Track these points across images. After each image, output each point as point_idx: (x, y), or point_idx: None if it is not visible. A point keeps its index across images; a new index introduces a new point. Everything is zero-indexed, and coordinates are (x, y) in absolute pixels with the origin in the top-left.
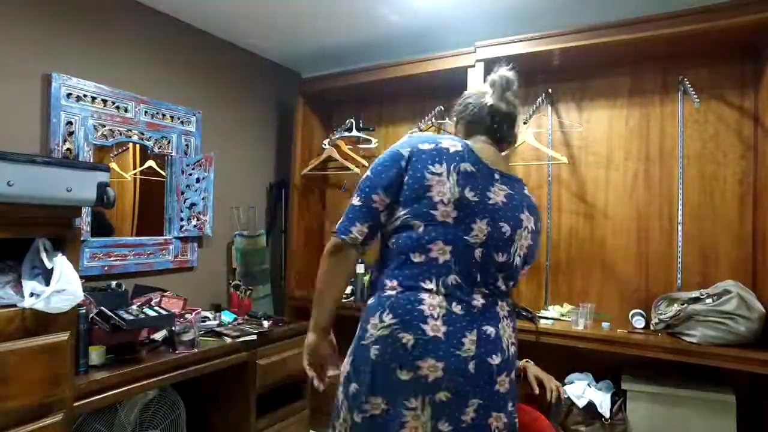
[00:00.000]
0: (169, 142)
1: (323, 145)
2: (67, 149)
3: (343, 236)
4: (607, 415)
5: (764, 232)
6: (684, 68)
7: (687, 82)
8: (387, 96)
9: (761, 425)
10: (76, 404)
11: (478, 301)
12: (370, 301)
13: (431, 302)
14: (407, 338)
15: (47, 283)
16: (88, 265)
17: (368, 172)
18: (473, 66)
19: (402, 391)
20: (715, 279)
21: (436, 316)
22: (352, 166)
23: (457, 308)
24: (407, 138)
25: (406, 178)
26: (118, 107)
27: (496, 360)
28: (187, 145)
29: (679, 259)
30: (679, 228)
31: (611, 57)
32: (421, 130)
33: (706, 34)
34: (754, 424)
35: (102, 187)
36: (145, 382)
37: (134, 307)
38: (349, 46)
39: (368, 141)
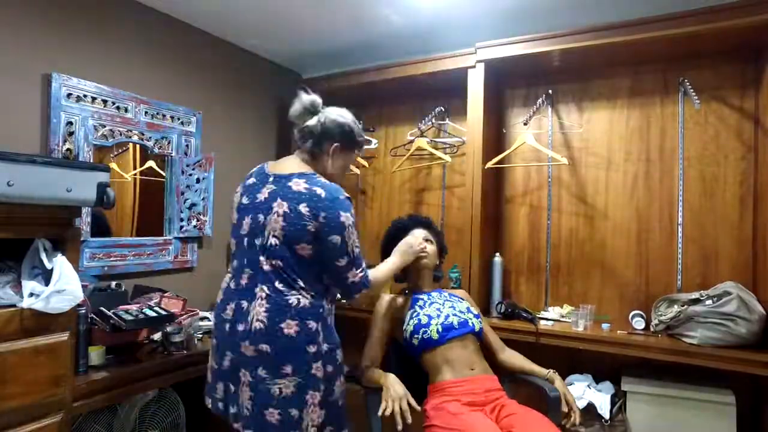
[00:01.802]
0: (169, 143)
1: None
2: (67, 149)
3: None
4: (607, 416)
5: (764, 234)
6: (684, 69)
7: (687, 84)
8: (387, 96)
9: (761, 426)
10: (75, 404)
11: (244, 280)
12: None
13: (225, 279)
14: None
15: (47, 284)
16: (88, 265)
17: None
18: (473, 67)
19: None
20: (715, 280)
21: (223, 288)
22: (352, 167)
23: (231, 284)
24: None
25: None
26: (118, 107)
27: (240, 327)
28: (187, 145)
29: (679, 261)
30: (680, 229)
31: (612, 58)
32: (421, 131)
33: (706, 35)
34: (754, 425)
35: (102, 188)
36: (144, 382)
37: (134, 307)
38: (350, 46)
39: (368, 142)
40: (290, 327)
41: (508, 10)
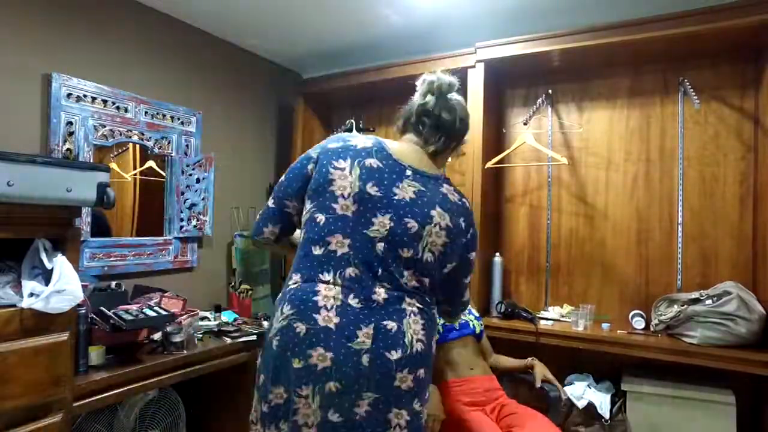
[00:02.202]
0: (169, 143)
1: None
2: (67, 149)
3: (255, 237)
4: (607, 415)
5: (764, 233)
6: (684, 69)
7: (687, 83)
8: (387, 97)
9: (761, 426)
10: (75, 404)
11: (380, 295)
12: (279, 296)
13: (326, 293)
14: (300, 327)
15: (47, 284)
16: (88, 265)
17: (283, 177)
18: (473, 67)
19: (295, 379)
20: (715, 280)
21: (329, 307)
22: None
23: (353, 301)
24: (323, 141)
25: (314, 174)
26: (118, 107)
27: (395, 355)
28: (187, 145)
29: (679, 260)
30: (679, 229)
31: (612, 58)
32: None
33: (706, 35)
34: (754, 425)
35: (102, 188)
36: (144, 382)
37: (134, 307)
38: (350, 46)
39: None
40: (434, 344)
41: (508, 10)
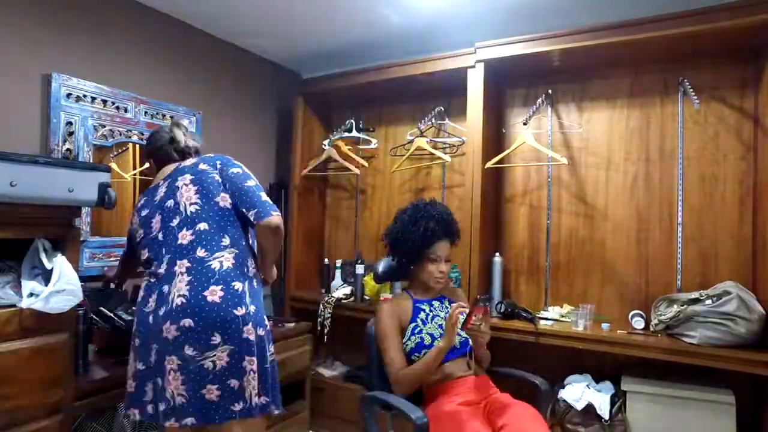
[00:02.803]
0: None
1: (323, 146)
2: (67, 149)
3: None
4: (607, 416)
5: (764, 234)
6: (684, 69)
7: (687, 83)
8: (387, 96)
9: (761, 426)
10: (75, 404)
11: (161, 268)
12: None
13: (144, 279)
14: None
15: (47, 284)
16: (88, 265)
17: None
18: (473, 67)
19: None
20: (714, 280)
21: (142, 288)
22: (352, 167)
23: (151, 279)
24: None
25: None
26: (118, 107)
27: (161, 311)
28: None
29: (679, 260)
30: (679, 229)
31: (611, 58)
32: (421, 131)
33: (706, 35)
34: (754, 425)
35: (103, 188)
36: None
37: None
38: (350, 46)
39: (368, 142)
40: (214, 293)
41: (508, 10)
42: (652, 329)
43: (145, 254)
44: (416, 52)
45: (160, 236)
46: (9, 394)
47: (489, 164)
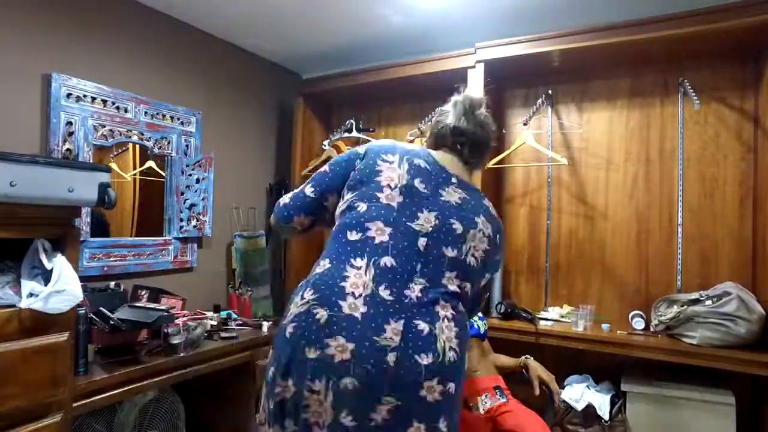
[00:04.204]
0: (169, 143)
1: (323, 146)
2: (67, 149)
3: (283, 223)
4: (607, 416)
5: (764, 234)
6: (684, 70)
7: (687, 84)
8: (387, 97)
9: (761, 426)
10: (75, 405)
11: (414, 291)
12: (302, 282)
13: (356, 280)
14: (321, 314)
15: (47, 284)
16: (88, 265)
17: (327, 168)
18: (473, 67)
19: (308, 372)
20: (715, 281)
21: (357, 294)
22: None
23: (385, 292)
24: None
25: (361, 167)
26: (118, 107)
27: (425, 360)
28: (187, 145)
29: (679, 261)
30: (679, 229)
31: (612, 58)
32: (421, 131)
33: (706, 35)
34: (754, 425)
35: (103, 188)
36: (144, 382)
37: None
38: (350, 46)
39: (368, 142)
40: (467, 358)
41: (508, 10)
42: (652, 330)
43: (382, 229)
44: (416, 52)
45: (421, 243)
46: (9, 394)
47: (489, 164)
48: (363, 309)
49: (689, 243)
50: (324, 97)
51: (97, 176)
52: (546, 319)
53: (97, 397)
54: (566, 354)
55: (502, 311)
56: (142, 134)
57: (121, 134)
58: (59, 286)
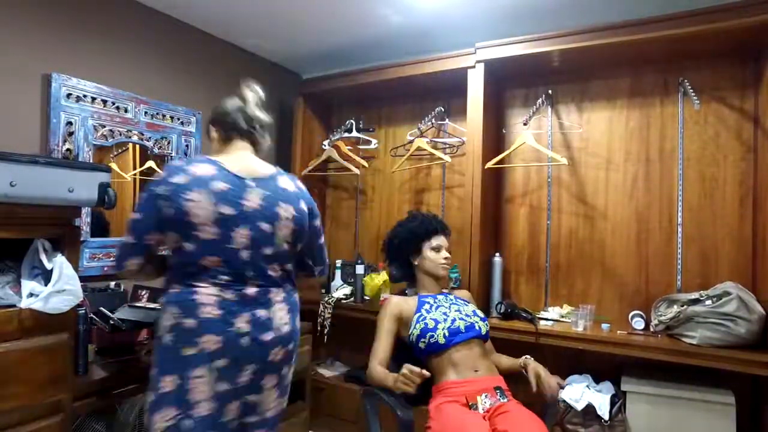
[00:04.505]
0: (169, 143)
1: (323, 146)
2: (67, 149)
3: (120, 270)
4: (607, 416)
5: (764, 234)
6: (684, 70)
7: (687, 84)
8: (387, 97)
9: (761, 426)
10: (75, 404)
11: (251, 290)
12: (162, 300)
13: (205, 292)
14: (189, 322)
15: (47, 284)
16: (88, 265)
17: (137, 215)
18: (473, 67)
19: (189, 365)
20: (714, 280)
21: (210, 303)
22: (352, 167)
23: (230, 295)
24: (162, 174)
25: (168, 210)
26: (118, 108)
27: (268, 337)
28: (187, 145)
29: (679, 261)
30: (679, 229)
31: (611, 58)
32: (421, 131)
33: (706, 35)
34: (754, 425)
35: (103, 188)
36: (144, 382)
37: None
38: (350, 46)
39: (368, 142)
40: (298, 322)
41: (508, 10)
42: (652, 330)
43: (212, 260)
44: (416, 52)
45: (244, 255)
46: (9, 394)
47: (489, 164)
48: (217, 311)
49: (689, 243)
50: (324, 97)
51: (98, 176)
52: (546, 319)
53: (97, 397)
54: (566, 354)
55: (502, 311)
56: (142, 134)
57: (121, 134)
58: (59, 286)
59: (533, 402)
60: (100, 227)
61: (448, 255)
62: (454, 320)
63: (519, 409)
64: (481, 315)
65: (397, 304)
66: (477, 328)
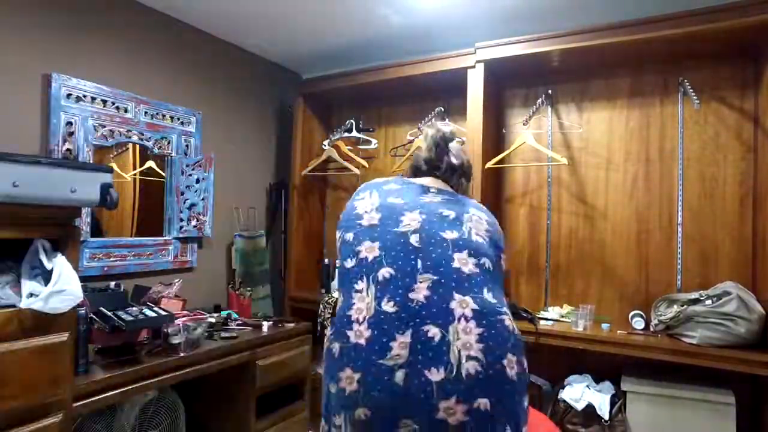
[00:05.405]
0: (169, 143)
1: (323, 146)
2: (67, 150)
3: None
4: (607, 416)
5: (764, 234)
6: (684, 69)
7: (687, 84)
8: (387, 97)
9: (761, 426)
10: (75, 405)
11: (421, 291)
12: None
13: (359, 305)
14: (335, 348)
15: (47, 284)
16: (88, 265)
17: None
18: (473, 67)
19: (332, 408)
20: (714, 280)
21: (361, 319)
22: (351, 167)
23: (388, 305)
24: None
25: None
26: (117, 108)
27: (435, 376)
28: (187, 145)
29: (679, 261)
30: (679, 229)
31: (611, 58)
32: (420, 131)
33: (706, 35)
34: (754, 425)
35: (105, 188)
36: (144, 382)
37: (134, 308)
38: (350, 46)
39: (368, 142)
40: (511, 365)
41: (508, 10)
42: (652, 329)
43: (368, 255)
44: (416, 52)
45: (414, 240)
46: (9, 394)
47: (489, 164)
48: (367, 333)
49: (689, 243)
50: (324, 97)
51: (99, 176)
52: (546, 319)
53: (97, 397)
54: (566, 354)
55: None
56: (142, 134)
57: (121, 134)
58: (59, 286)
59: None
60: (98, 227)
61: None
62: None
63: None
64: None
65: None
66: None
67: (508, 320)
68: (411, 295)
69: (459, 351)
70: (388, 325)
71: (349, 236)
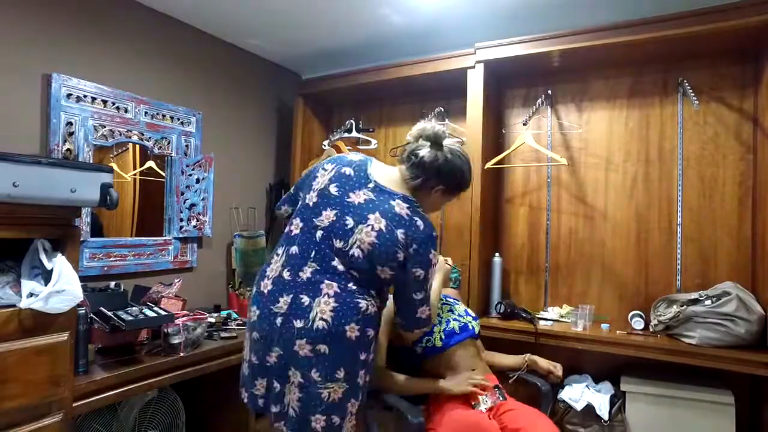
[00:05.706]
0: (169, 143)
1: (323, 146)
2: (67, 150)
3: (276, 210)
4: (606, 416)
5: (763, 234)
6: (684, 70)
7: (687, 84)
8: (387, 97)
9: (760, 426)
10: (75, 404)
11: (305, 273)
12: None
13: (274, 266)
14: (254, 290)
15: (47, 284)
16: (88, 265)
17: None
18: (473, 67)
19: (247, 327)
20: (714, 280)
21: (270, 276)
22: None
23: (286, 274)
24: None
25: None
26: (118, 108)
27: (297, 324)
28: (187, 145)
29: (679, 261)
30: (679, 230)
31: (611, 58)
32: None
33: (706, 36)
34: (754, 425)
35: (105, 188)
36: (144, 382)
37: (134, 308)
38: (349, 46)
39: (368, 142)
40: (353, 330)
41: (508, 10)
42: (651, 330)
43: (293, 230)
44: (416, 52)
45: (318, 236)
46: (9, 394)
47: (489, 165)
48: (270, 287)
49: (689, 243)
50: (324, 97)
51: (100, 177)
52: (546, 319)
53: (97, 397)
54: (566, 354)
55: (501, 311)
56: (142, 134)
57: (121, 134)
58: (59, 286)
59: (525, 399)
60: (98, 227)
61: (448, 260)
62: (448, 322)
63: (523, 407)
64: (473, 314)
65: (390, 309)
66: (470, 327)
67: (364, 303)
68: (300, 273)
69: (317, 314)
70: (282, 286)
71: (299, 204)
